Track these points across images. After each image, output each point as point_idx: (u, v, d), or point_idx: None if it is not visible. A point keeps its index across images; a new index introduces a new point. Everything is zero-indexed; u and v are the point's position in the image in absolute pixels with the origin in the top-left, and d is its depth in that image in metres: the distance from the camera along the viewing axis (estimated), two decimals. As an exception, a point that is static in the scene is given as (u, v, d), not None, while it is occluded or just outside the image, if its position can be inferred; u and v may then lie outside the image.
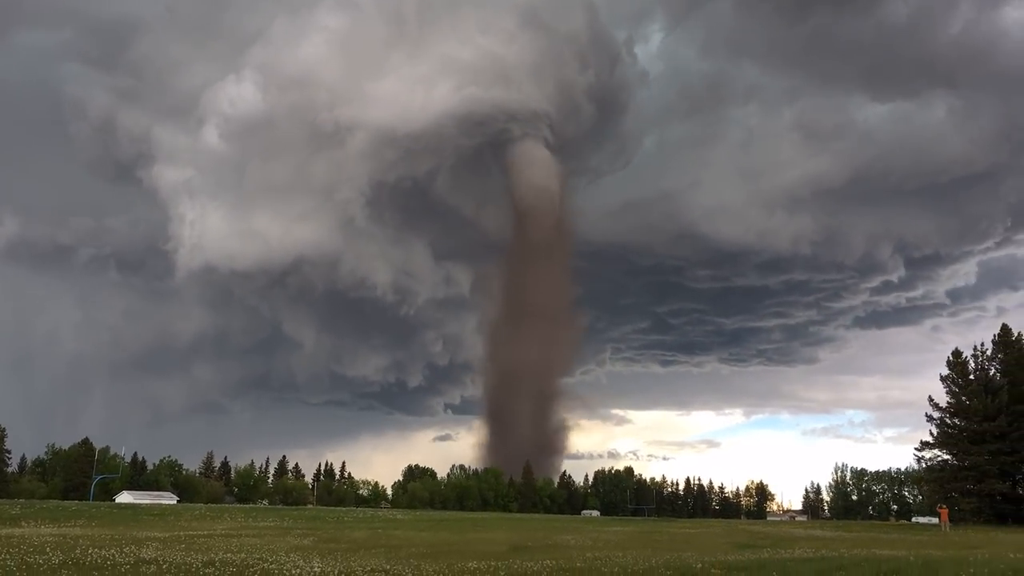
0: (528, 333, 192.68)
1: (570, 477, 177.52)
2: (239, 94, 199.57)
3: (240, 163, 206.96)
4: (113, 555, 20.69)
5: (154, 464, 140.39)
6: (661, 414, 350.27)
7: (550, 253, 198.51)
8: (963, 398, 73.95)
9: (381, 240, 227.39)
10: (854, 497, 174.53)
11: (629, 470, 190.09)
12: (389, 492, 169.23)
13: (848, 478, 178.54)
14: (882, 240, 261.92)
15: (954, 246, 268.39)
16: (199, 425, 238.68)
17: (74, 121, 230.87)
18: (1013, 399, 70.60)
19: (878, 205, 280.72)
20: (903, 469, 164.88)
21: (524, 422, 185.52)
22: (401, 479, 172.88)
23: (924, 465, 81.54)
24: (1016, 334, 76.90)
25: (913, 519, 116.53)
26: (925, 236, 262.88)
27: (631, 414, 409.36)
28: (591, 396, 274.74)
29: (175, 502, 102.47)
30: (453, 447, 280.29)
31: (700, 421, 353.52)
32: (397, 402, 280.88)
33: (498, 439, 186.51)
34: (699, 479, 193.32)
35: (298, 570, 17.60)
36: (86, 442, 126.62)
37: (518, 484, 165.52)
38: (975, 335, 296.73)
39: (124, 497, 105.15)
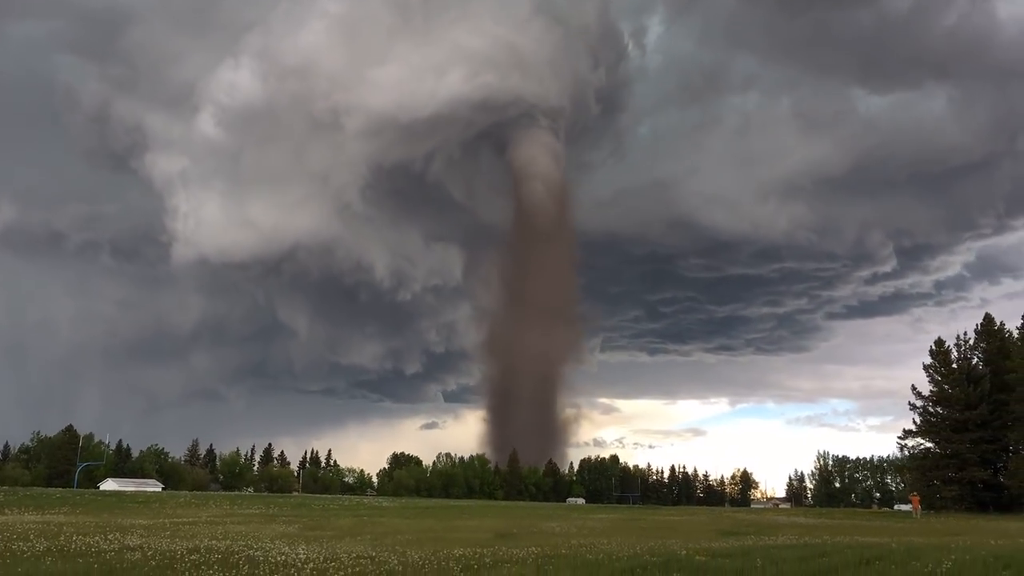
0: (532, 322, 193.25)
1: (556, 465, 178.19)
2: (236, 81, 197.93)
3: (237, 151, 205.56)
4: (98, 542, 20.60)
5: (139, 452, 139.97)
6: (648, 403, 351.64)
7: (552, 242, 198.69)
8: (945, 387, 74.58)
9: (380, 227, 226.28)
10: (837, 485, 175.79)
11: (615, 458, 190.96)
12: (375, 480, 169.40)
13: (831, 466, 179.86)
14: (874, 229, 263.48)
15: (946, 236, 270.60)
16: (189, 413, 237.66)
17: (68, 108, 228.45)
18: (995, 388, 71.26)
19: (873, 195, 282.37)
20: (886, 457, 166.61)
21: (528, 413, 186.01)
22: (387, 467, 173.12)
23: (907, 453, 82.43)
24: (999, 323, 77.61)
25: (895, 507, 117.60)
26: (917, 226, 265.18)
27: (618, 403, 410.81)
28: (581, 385, 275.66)
29: (160, 489, 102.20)
30: (440, 435, 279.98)
31: (686, 410, 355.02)
32: (386, 389, 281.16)
33: (502, 429, 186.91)
34: (684, 467, 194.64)
35: (283, 556, 17.59)
36: (70, 429, 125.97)
37: (503, 472, 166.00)
38: (958, 325, 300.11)
39: (109, 484, 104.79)
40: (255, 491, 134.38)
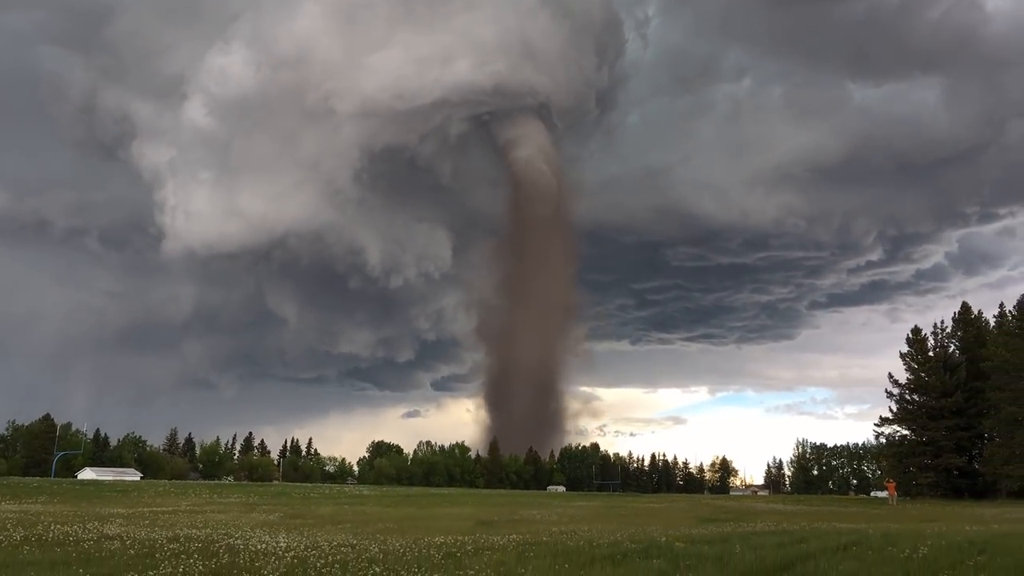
0: (529, 313, 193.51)
1: (536, 453, 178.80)
2: (227, 67, 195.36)
3: (228, 138, 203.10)
4: (76, 531, 20.45)
5: (118, 440, 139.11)
6: (629, 391, 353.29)
7: (549, 232, 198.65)
8: (922, 375, 75.34)
9: (375, 214, 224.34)
10: (815, 472, 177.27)
11: (595, 446, 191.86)
12: (355, 468, 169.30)
13: (809, 454, 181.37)
14: (860, 218, 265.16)
15: (930, 225, 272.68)
16: (169, 402, 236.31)
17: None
18: (971, 376, 72.08)
19: (859, 184, 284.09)
20: (862, 444, 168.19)
21: (527, 403, 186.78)
22: (367, 455, 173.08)
23: (883, 441, 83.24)
24: (976, 312, 78.46)
25: (872, 493, 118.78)
26: (903, 215, 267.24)
27: (600, 391, 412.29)
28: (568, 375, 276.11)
29: (139, 479, 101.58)
30: (423, 424, 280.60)
31: (667, 398, 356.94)
32: (374, 377, 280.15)
33: (501, 419, 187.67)
34: (664, 455, 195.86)
35: (264, 545, 17.54)
36: (47, 418, 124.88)
37: (484, 460, 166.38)
38: (936, 314, 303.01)
39: (86, 474, 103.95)
40: (235, 480, 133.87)
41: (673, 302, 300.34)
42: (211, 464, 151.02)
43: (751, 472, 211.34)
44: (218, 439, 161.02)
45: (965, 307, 78.92)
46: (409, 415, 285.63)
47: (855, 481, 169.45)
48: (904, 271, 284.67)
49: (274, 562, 14.87)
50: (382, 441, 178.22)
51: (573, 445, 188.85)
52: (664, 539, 19.41)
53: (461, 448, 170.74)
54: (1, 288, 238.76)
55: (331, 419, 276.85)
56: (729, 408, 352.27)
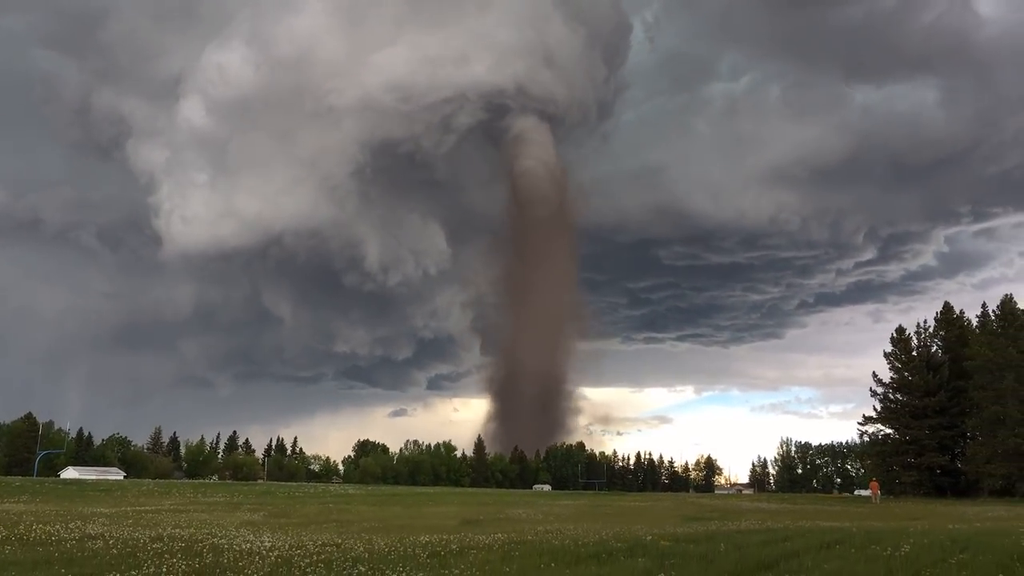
0: (534, 313, 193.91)
1: (523, 452, 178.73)
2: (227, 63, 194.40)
3: (227, 137, 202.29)
4: (58, 531, 20.32)
5: (101, 440, 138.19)
6: (615, 391, 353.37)
7: (552, 233, 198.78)
8: (905, 374, 75.78)
9: (376, 213, 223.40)
10: (799, 471, 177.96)
11: (580, 445, 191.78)
12: (341, 468, 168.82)
13: (793, 452, 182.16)
14: (850, 218, 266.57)
15: (920, 225, 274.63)
16: (161, 401, 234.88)
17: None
18: (953, 375, 72.53)
19: (854, 184, 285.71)
20: (846, 443, 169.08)
21: (532, 403, 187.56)
22: (353, 454, 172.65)
23: (867, 439, 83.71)
24: (958, 312, 78.97)
25: (855, 492, 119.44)
26: (894, 215, 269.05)
27: (586, 391, 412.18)
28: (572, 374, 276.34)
29: (122, 478, 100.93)
30: (409, 423, 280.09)
31: (653, 398, 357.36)
32: (364, 376, 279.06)
33: (505, 419, 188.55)
34: (649, 454, 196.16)
35: (248, 544, 17.47)
36: (29, 417, 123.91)
37: (470, 459, 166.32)
38: (919, 314, 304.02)
39: (69, 473, 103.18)
40: (219, 479, 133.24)
41: (665, 301, 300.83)
42: (195, 463, 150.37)
43: (736, 471, 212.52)
44: (202, 438, 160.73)
45: (947, 307, 79.45)
46: (396, 414, 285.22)
47: (839, 480, 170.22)
48: (892, 271, 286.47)
49: (258, 562, 14.80)
50: (368, 440, 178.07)
51: (559, 444, 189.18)
52: (649, 538, 19.45)
53: (447, 447, 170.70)
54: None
55: (318, 418, 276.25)
56: (714, 407, 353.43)
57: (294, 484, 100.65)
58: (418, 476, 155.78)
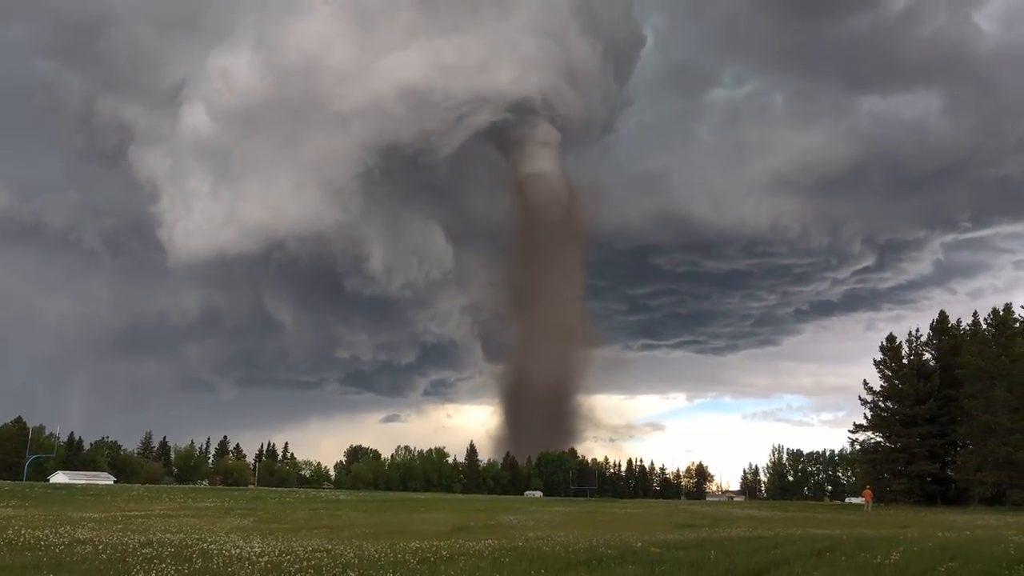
0: (543, 321, 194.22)
1: (514, 458, 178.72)
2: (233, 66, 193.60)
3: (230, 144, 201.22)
4: (47, 535, 20.25)
5: (91, 444, 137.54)
6: (607, 398, 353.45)
7: (560, 243, 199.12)
8: (896, 382, 76.03)
9: (382, 217, 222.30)
10: (790, 478, 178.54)
11: (572, 451, 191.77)
12: (332, 473, 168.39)
13: (785, 460, 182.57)
14: (847, 226, 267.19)
15: (916, 234, 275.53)
16: (153, 407, 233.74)
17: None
18: (944, 383, 72.75)
19: (852, 193, 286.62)
20: (837, 451, 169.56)
21: (542, 409, 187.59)
22: (344, 460, 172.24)
23: (858, 447, 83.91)
24: (954, 321, 79.24)
25: (846, 499, 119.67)
26: (892, 224, 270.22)
27: (579, 398, 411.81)
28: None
29: (112, 483, 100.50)
30: (402, 429, 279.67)
31: (646, 405, 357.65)
32: (370, 381, 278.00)
33: (514, 426, 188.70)
34: (641, 461, 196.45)
35: (238, 550, 17.43)
36: (19, 421, 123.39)
37: (462, 465, 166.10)
38: (910, 323, 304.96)
39: (59, 477, 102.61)
40: (210, 484, 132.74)
41: (664, 307, 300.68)
42: (186, 468, 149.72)
43: (727, 478, 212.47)
44: (192, 443, 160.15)
45: (942, 316, 79.71)
46: (389, 420, 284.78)
47: (830, 487, 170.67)
48: (886, 279, 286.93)
49: (248, 567, 14.77)
50: (359, 446, 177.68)
51: (550, 451, 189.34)
52: (640, 545, 19.47)
53: (439, 453, 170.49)
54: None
55: (311, 424, 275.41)
56: (707, 414, 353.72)
57: (285, 490, 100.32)
58: (410, 482, 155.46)
